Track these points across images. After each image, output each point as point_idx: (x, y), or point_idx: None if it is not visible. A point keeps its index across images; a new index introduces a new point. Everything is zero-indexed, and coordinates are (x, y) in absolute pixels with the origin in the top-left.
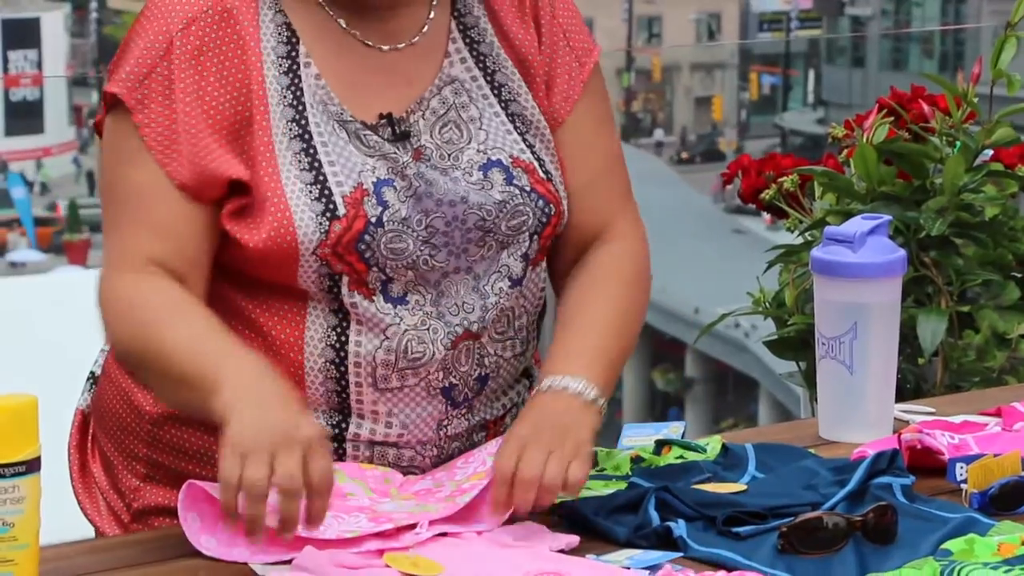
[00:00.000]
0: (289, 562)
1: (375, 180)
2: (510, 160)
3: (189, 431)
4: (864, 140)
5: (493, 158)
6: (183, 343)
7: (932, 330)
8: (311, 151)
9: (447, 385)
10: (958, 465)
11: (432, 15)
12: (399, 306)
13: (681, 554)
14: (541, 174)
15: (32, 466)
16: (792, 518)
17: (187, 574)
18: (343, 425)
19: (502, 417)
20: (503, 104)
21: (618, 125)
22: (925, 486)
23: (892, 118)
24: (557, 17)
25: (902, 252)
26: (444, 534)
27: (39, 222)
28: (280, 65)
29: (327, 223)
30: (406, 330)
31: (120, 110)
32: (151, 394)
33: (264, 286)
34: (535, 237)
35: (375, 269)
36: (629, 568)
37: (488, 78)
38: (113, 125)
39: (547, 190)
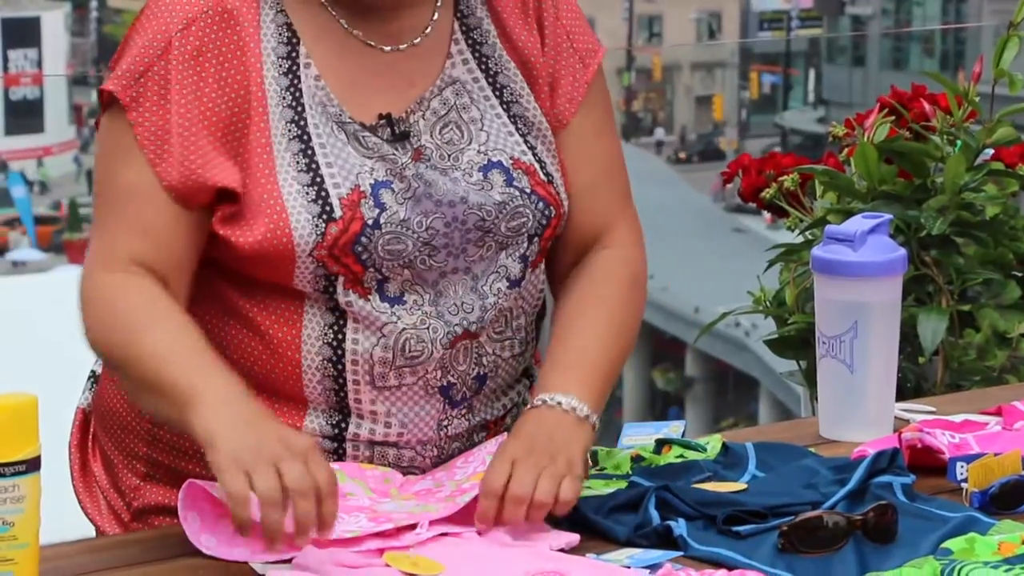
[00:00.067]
0: (289, 561)
1: (372, 182)
2: (511, 162)
3: None
4: (865, 139)
5: (494, 159)
6: (159, 351)
7: (933, 329)
8: (309, 152)
9: (445, 384)
10: (958, 464)
11: (435, 16)
12: (396, 305)
13: (681, 553)
14: (542, 176)
15: (32, 465)
16: (792, 517)
17: (187, 573)
18: (343, 425)
19: (502, 417)
20: (505, 105)
21: (618, 124)
22: (925, 485)
23: (893, 117)
24: (561, 19)
25: (903, 251)
26: (444, 534)
27: (41, 221)
28: (280, 66)
29: (323, 225)
30: (404, 328)
31: (115, 108)
32: None
33: (261, 285)
34: (534, 239)
35: (371, 270)
36: (629, 567)
37: (490, 79)
38: (108, 123)
39: (547, 192)
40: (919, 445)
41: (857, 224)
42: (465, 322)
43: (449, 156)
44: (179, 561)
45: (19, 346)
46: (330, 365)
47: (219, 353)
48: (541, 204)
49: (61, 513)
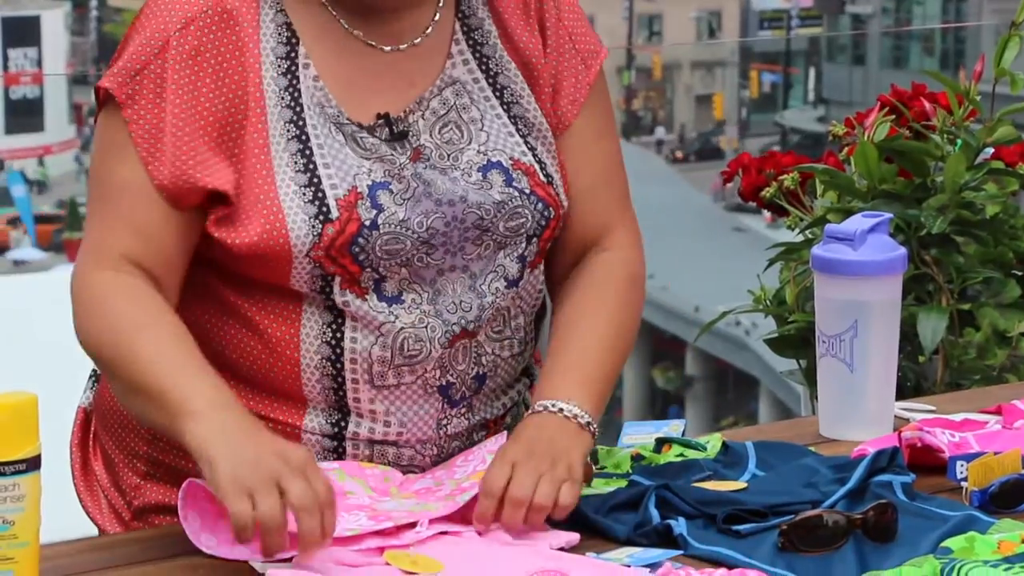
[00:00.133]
0: (289, 560)
1: (370, 183)
2: (510, 162)
3: None
4: (865, 138)
5: (493, 159)
6: (149, 354)
7: (932, 328)
8: (307, 152)
9: (444, 383)
10: (958, 463)
11: (436, 16)
12: (394, 305)
13: (681, 552)
14: (542, 177)
15: (32, 464)
16: (792, 516)
17: (188, 572)
18: (342, 424)
19: (502, 416)
20: (505, 106)
21: (619, 123)
22: (925, 484)
23: (893, 116)
24: (563, 20)
25: (903, 250)
26: (444, 532)
27: (41, 220)
28: (279, 66)
29: (320, 226)
30: (402, 328)
31: (112, 105)
32: None
33: (258, 285)
34: (533, 240)
35: (368, 270)
36: (629, 566)
37: (491, 80)
38: (104, 119)
39: (547, 193)
40: (919, 444)
41: (857, 223)
42: (463, 321)
43: (448, 156)
44: (179, 560)
45: (19, 345)
46: (329, 364)
47: (218, 352)
48: (540, 205)
49: (62, 512)
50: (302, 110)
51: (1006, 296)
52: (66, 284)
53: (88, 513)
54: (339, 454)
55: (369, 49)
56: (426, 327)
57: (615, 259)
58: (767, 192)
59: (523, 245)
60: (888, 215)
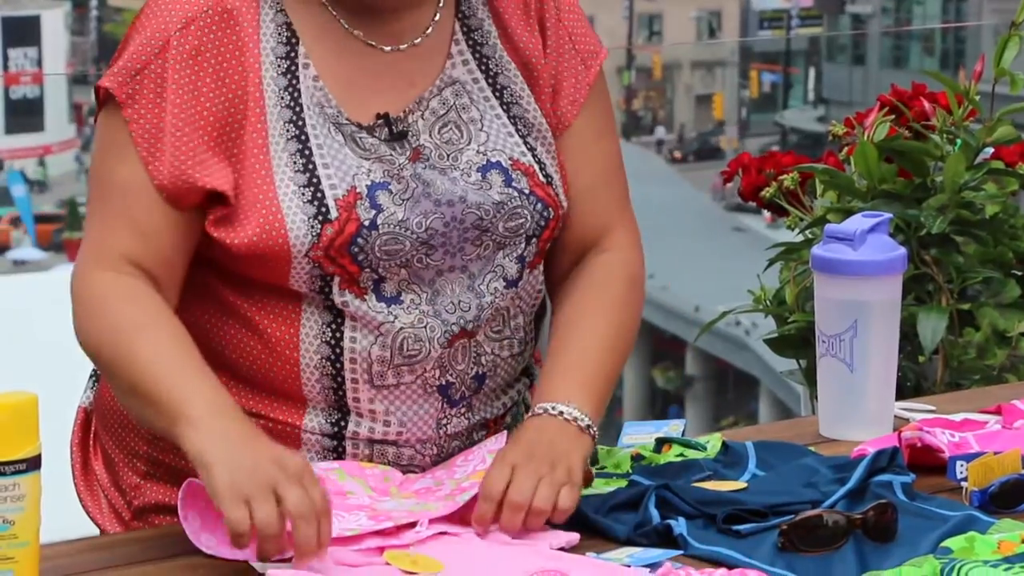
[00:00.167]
0: (289, 560)
1: (369, 183)
2: (510, 162)
3: None
4: (865, 138)
5: (492, 160)
6: (148, 356)
7: (932, 328)
8: (307, 152)
9: (444, 383)
10: (958, 463)
11: (437, 16)
12: (393, 305)
13: (681, 552)
14: (541, 177)
15: (32, 464)
16: (792, 516)
17: (188, 572)
18: (342, 423)
19: (502, 416)
20: (505, 107)
21: (619, 123)
22: (925, 484)
23: (893, 116)
24: (563, 20)
25: (902, 250)
26: (444, 532)
27: (41, 220)
28: (279, 66)
29: (319, 226)
30: (402, 327)
31: (112, 104)
32: None
33: (257, 285)
34: (532, 240)
35: (367, 270)
36: (629, 566)
37: (490, 80)
38: (104, 119)
39: (546, 194)
40: (919, 444)
41: (857, 223)
42: (462, 320)
43: (448, 156)
44: (179, 560)
45: (19, 345)
46: (328, 364)
47: (218, 352)
48: (540, 205)
49: (62, 512)
50: (302, 110)
51: (1006, 296)
52: (66, 284)
53: (88, 513)
54: (339, 454)
55: (369, 49)
56: (425, 327)
57: (615, 260)
58: (767, 192)
59: (522, 245)
60: (888, 215)
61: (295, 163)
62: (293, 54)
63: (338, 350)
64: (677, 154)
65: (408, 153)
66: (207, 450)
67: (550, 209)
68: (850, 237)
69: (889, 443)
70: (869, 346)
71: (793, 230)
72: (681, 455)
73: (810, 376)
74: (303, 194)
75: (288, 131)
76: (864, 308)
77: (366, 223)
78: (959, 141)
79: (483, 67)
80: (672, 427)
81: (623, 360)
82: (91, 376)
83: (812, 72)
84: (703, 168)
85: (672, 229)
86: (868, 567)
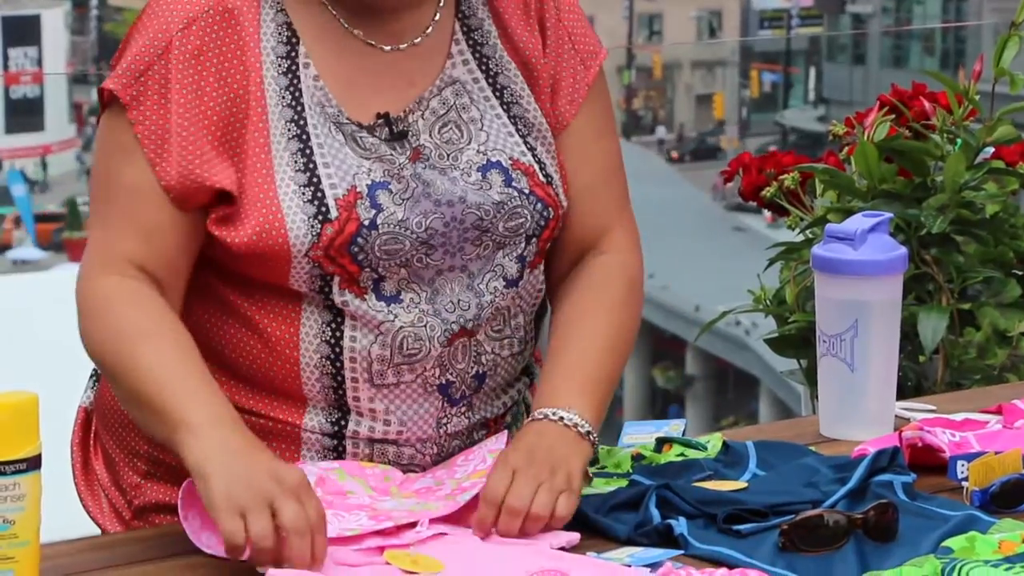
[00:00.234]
0: None
1: (369, 183)
2: (510, 162)
3: None
4: (865, 137)
5: (492, 159)
6: (151, 364)
7: (933, 328)
8: (307, 152)
9: (444, 382)
10: (959, 463)
11: (437, 16)
12: (393, 304)
13: (682, 552)
14: (541, 177)
15: (33, 463)
16: (793, 516)
17: (188, 572)
18: (342, 423)
19: (502, 415)
20: (505, 106)
21: (619, 123)
22: (926, 484)
23: (893, 115)
24: (562, 20)
25: (903, 249)
26: (445, 532)
27: (41, 219)
28: (279, 66)
29: (319, 226)
30: (401, 327)
31: (116, 106)
32: None
33: (257, 284)
34: (532, 240)
35: (367, 270)
36: (630, 566)
37: (490, 80)
38: (108, 121)
39: (546, 193)
40: (920, 444)
41: (857, 223)
42: (462, 319)
43: (448, 156)
44: (180, 560)
45: (19, 345)
46: (328, 363)
47: (218, 352)
48: (540, 205)
49: (62, 511)
50: (302, 109)
51: (1006, 296)
52: (66, 283)
53: (89, 512)
54: (339, 453)
55: (369, 49)
56: (425, 326)
57: (613, 262)
58: (767, 192)
59: (522, 245)
60: (888, 215)
61: (296, 162)
62: (293, 54)
63: (338, 349)
64: (677, 154)
65: (408, 153)
66: (205, 460)
67: (550, 209)
68: (850, 237)
69: (890, 443)
70: (870, 346)
71: (793, 230)
72: (682, 455)
73: (810, 376)
74: (303, 193)
75: (289, 130)
76: (865, 308)
77: (366, 223)
78: (959, 141)
79: (483, 67)
80: (672, 427)
81: (623, 362)
82: (91, 376)
83: (812, 72)
84: (703, 168)
85: (672, 229)
86: (869, 567)
